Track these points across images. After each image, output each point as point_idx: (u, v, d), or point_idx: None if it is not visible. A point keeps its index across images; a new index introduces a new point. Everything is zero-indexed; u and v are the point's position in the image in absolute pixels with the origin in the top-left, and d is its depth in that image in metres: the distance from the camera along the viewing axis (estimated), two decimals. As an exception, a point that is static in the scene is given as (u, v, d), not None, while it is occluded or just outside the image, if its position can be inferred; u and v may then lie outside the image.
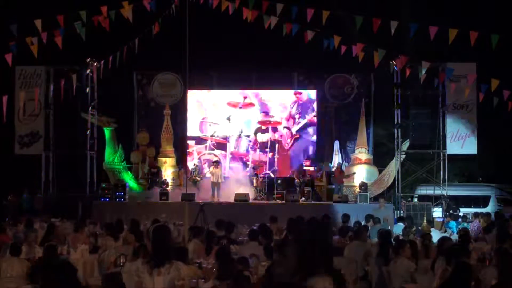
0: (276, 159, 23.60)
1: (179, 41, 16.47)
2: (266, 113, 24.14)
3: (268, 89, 24.45)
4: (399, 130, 22.26)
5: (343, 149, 23.63)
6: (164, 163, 22.76)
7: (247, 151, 24.07)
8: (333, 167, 22.61)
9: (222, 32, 23.01)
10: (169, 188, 21.43)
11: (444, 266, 7.72)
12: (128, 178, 22.43)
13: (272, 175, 22.68)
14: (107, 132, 22.60)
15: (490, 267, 8.13)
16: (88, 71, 21.91)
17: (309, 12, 15.30)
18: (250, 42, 22.49)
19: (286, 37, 16.58)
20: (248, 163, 23.57)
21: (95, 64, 21.05)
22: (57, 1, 21.31)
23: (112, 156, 22.54)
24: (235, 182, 21.72)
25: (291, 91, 24.39)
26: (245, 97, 24.27)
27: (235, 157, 24.10)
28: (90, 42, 17.28)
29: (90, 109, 22.54)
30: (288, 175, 22.81)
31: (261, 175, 22.24)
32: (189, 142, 23.69)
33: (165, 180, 21.76)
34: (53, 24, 15.85)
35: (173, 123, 23.33)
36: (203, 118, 24.32)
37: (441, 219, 19.81)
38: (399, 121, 22.26)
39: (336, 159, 23.20)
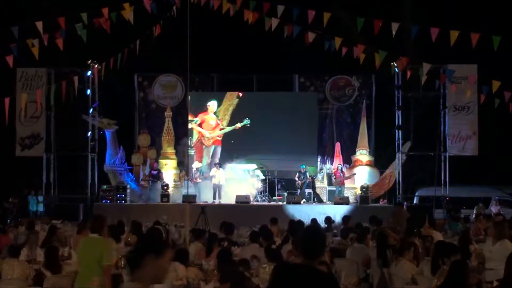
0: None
1: (180, 43, 16.49)
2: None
3: (269, 91, 24.48)
4: (400, 131, 22.26)
5: (344, 150, 23.60)
6: (165, 165, 22.76)
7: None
8: (334, 168, 22.61)
9: (223, 34, 23.01)
10: (170, 190, 21.44)
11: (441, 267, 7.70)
12: (129, 180, 22.44)
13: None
14: (108, 134, 22.61)
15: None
16: (89, 73, 21.92)
17: (310, 14, 15.29)
18: (251, 44, 22.48)
19: (287, 39, 16.59)
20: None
21: (96, 66, 21.10)
22: (58, 3, 21.34)
23: (113, 158, 22.54)
24: (236, 184, 21.72)
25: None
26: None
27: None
28: (91, 44, 17.28)
29: (91, 111, 22.54)
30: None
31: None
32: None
33: (166, 182, 21.77)
34: (54, 26, 15.86)
35: (174, 125, 23.32)
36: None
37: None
38: (400, 123, 22.26)
39: (337, 160, 23.19)
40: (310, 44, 16.36)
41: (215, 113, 23.89)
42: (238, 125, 23.36)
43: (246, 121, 23.29)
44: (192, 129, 23.69)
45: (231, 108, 24.02)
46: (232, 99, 24.02)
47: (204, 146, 23.88)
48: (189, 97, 23.56)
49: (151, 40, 18.23)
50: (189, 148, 23.44)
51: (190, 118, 23.36)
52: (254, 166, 22.90)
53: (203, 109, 23.96)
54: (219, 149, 23.85)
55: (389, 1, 22.96)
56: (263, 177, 22.12)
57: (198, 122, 23.83)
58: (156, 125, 24.02)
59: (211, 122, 23.83)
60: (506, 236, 8.56)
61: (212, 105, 23.90)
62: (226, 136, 23.85)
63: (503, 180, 25.86)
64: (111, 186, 21.81)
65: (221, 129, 23.79)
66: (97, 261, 6.94)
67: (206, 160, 23.44)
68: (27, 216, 20.58)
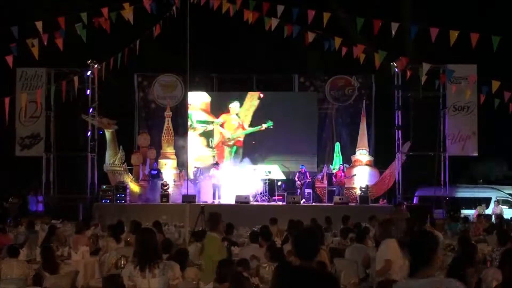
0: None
1: (180, 43, 16.50)
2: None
3: (269, 91, 24.47)
4: (399, 131, 22.25)
5: (344, 150, 23.59)
6: (165, 164, 22.75)
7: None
8: (334, 168, 22.61)
9: (223, 34, 22.98)
10: (169, 190, 21.44)
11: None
12: (129, 180, 22.42)
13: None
14: (108, 134, 22.59)
15: (491, 268, 8.11)
16: (89, 72, 21.92)
17: (310, 14, 15.30)
18: (251, 44, 22.46)
19: (287, 39, 16.59)
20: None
21: (96, 65, 21.11)
22: (58, 3, 21.32)
23: (112, 158, 22.52)
24: (236, 184, 21.71)
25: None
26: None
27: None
28: (91, 44, 17.28)
29: (91, 111, 22.54)
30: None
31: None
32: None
33: (166, 182, 21.77)
34: (54, 25, 15.86)
35: (174, 124, 23.32)
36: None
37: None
38: (400, 123, 22.25)
39: (337, 160, 23.19)
40: (310, 44, 16.36)
41: (237, 114, 24.04)
42: (263, 126, 23.64)
43: (269, 123, 23.54)
44: (213, 130, 23.94)
45: (252, 109, 24.12)
46: (253, 100, 24.10)
47: (225, 147, 24.06)
48: (210, 97, 23.78)
49: (151, 40, 18.23)
50: (211, 149, 23.64)
51: (211, 119, 23.54)
52: (255, 166, 22.90)
53: (224, 110, 24.09)
54: (240, 150, 23.96)
55: (389, 1, 22.94)
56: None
57: (220, 123, 23.96)
58: (156, 125, 24.02)
59: (233, 122, 24.01)
60: (390, 236, 8.46)
61: (234, 106, 24.02)
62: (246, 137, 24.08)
63: (503, 180, 25.90)
64: (111, 186, 21.80)
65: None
66: (212, 257, 7.34)
67: (229, 160, 23.47)
68: (27, 215, 20.56)
